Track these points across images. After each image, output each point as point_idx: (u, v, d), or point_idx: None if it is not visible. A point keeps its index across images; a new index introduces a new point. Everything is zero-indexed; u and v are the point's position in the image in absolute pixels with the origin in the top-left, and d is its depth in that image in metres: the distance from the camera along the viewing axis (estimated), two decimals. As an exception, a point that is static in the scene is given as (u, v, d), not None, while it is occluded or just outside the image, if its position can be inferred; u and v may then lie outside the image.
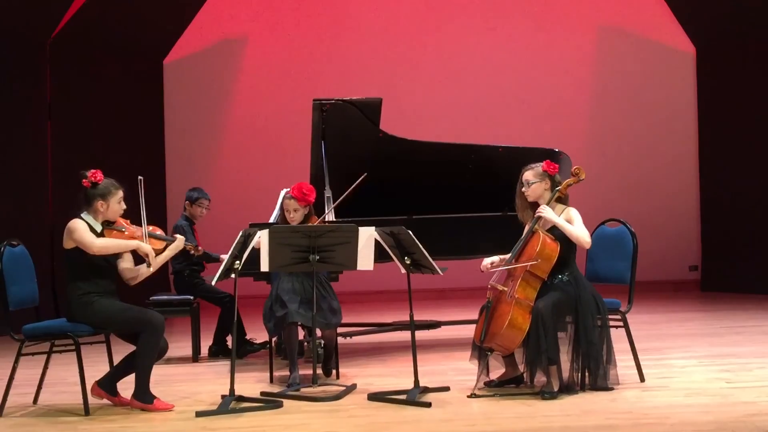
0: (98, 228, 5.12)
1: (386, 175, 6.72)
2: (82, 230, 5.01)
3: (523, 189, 5.32)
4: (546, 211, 5.17)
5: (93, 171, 5.14)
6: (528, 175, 5.31)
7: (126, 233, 5.16)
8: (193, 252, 5.69)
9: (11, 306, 5.10)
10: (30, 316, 5.28)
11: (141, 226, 5.18)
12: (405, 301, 5.25)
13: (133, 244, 5.11)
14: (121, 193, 5.18)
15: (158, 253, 5.19)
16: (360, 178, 5.77)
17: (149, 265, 5.15)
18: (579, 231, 5.14)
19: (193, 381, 6.00)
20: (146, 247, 5.11)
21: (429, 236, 5.65)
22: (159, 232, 5.26)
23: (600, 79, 11.65)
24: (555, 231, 5.19)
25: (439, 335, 7.49)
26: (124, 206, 5.19)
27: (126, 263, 5.23)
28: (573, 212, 5.24)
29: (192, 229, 7.10)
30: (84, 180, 5.12)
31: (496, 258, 5.39)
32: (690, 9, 11.15)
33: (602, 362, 5.12)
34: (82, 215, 5.10)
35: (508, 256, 5.30)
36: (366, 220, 5.82)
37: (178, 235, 5.40)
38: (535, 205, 5.27)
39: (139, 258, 5.24)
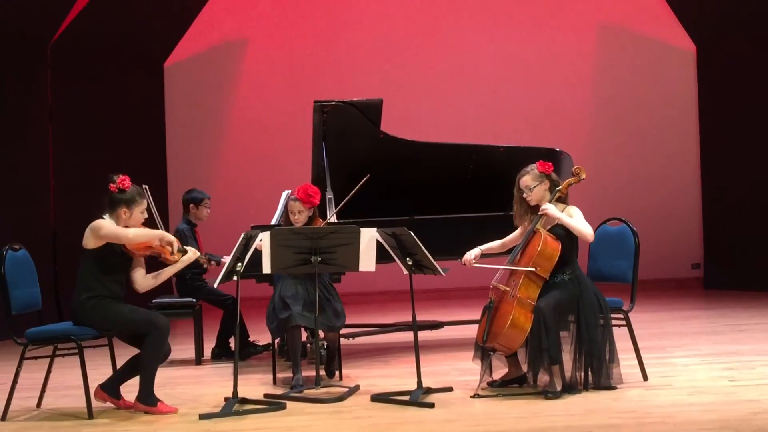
0: None
1: (387, 176, 6.70)
2: (110, 225, 5.00)
3: (524, 195, 5.28)
4: (549, 208, 5.16)
5: (122, 177, 5.09)
6: (526, 180, 5.26)
7: None
8: (205, 265, 5.69)
9: (14, 310, 5.11)
10: (33, 320, 5.28)
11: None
12: (407, 301, 5.25)
13: (158, 233, 5.09)
14: (145, 203, 5.15)
15: (172, 263, 5.18)
16: (363, 180, 5.71)
17: (173, 260, 5.14)
18: (582, 225, 5.14)
19: (196, 383, 6.01)
20: (170, 237, 5.11)
21: (431, 237, 5.65)
22: (175, 242, 5.20)
23: (600, 78, 11.64)
24: (556, 230, 5.19)
25: (442, 336, 7.49)
26: (146, 215, 5.17)
27: (139, 272, 5.21)
28: (573, 209, 5.23)
29: (193, 231, 7.09)
30: (111, 184, 5.07)
31: (477, 250, 5.39)
32: (690, 7, 11.13)
33: (605, 361, 5.12)
34: (104, 216, 5.08)
35: (489, 246, 5.40)
36: (368, 221, 5.82)
37: (190, 248, 5.34)
38: (536, 209, 5.26)
39: (149, 267, 5.26)
